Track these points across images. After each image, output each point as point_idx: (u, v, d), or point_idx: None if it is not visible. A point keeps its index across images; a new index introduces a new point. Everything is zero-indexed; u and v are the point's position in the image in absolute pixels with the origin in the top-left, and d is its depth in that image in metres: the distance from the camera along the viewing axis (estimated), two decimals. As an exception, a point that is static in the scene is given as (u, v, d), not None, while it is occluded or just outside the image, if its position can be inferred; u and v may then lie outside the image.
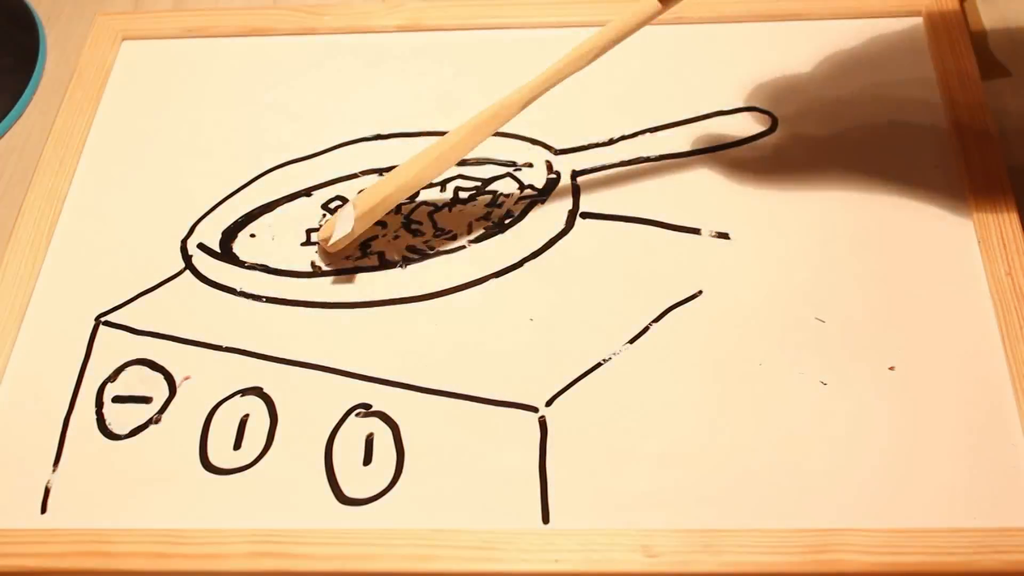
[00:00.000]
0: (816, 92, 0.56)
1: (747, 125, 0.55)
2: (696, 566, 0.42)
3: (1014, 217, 0.50)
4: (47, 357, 0.50)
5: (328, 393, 0.48)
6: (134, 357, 0.50)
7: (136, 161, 0.57)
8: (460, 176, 0.55)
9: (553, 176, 0.55)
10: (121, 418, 0.48)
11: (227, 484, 0.46)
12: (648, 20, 0.48)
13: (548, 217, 0.53)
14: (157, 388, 0.49)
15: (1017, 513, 0.43)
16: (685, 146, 0.55)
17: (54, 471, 0.47)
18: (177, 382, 0.49)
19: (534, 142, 0.56)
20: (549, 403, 0.47)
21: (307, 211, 0.54)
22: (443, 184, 0.55)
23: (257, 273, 0.52)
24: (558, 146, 0.56)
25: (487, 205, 0.54)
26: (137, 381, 0.49)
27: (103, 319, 0.51)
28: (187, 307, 0.51)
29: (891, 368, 0.47)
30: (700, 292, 0.50)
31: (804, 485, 0.44)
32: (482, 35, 0.60)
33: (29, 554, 0.44)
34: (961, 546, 0.42)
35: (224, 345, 0.50)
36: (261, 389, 0.48)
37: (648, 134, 0.56)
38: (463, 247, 0.52)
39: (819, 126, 0.55)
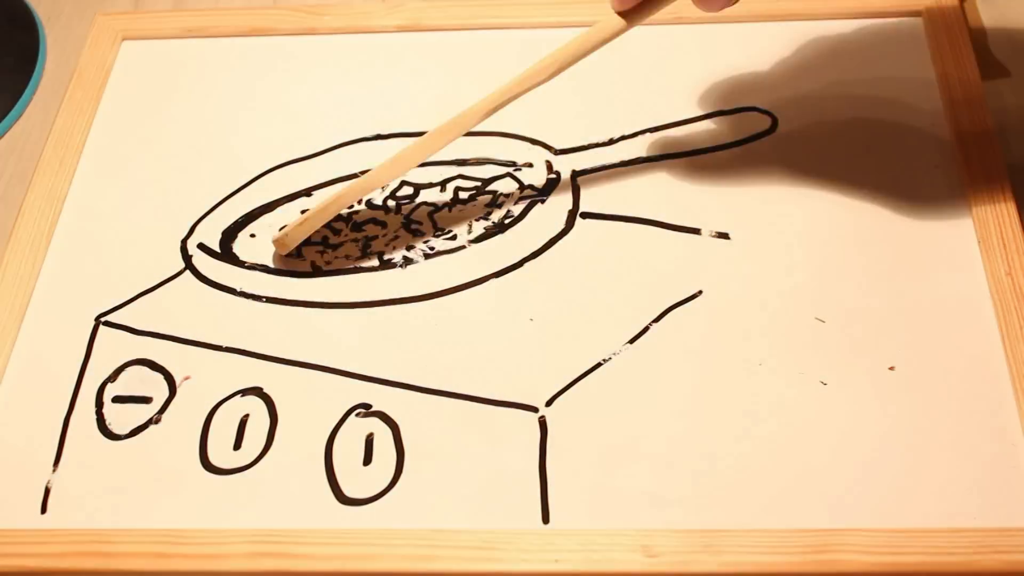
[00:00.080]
0: (816, 92, 0.56)
1: (747, 125, 0.55)
2: (696, 566, 0.42)
3: (1014, 217, 0.50)
4: (47, 357, 0.50)
5: (328, 393, 0.48)
6: (134, 357, 0.50)
7: (136, 161, 0.57)
8: (460, 176, 0.55)
9: (553, 176, 0.55)
10: (121, 418, 0.48)
11: (227, 484, 0.46)
12: (613, 37, 0.48)
13: (548, 217, 0.53)
14: (157, 388, 0.49)
15: (1017, 513, 0.43)
16: (685, 146, 0.55)
17: (54, 471, 0.47)
18: (177, 382, 0.49)
19: (534, 142, 0.56)
20: (549, 403, 0.47)
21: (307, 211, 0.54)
22: (443, 184, 0.55)
23: (257, 273, 0.52)
24: (558, 146, 0.56)
25: (487, 205, 0.54)
26: (137, 381, 0.49)
27: (103, 319, 0.51)
28: (187, 307, 0.51)
29: (891, 368, 0.47)
30: (700, 292, 0.50)
31: (804, 485, 0.44)
32: (482, 35, 0.60)
33: (29, 554, 0.44)
34: (961, 546, 0.42)
35: (224, 345, 0.50)
36: (261, 389, 0.48)
37: (648, 134, 0.56)
38: (463, 247, 0.52)
39: (819, 126, 0.55)
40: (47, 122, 0.59)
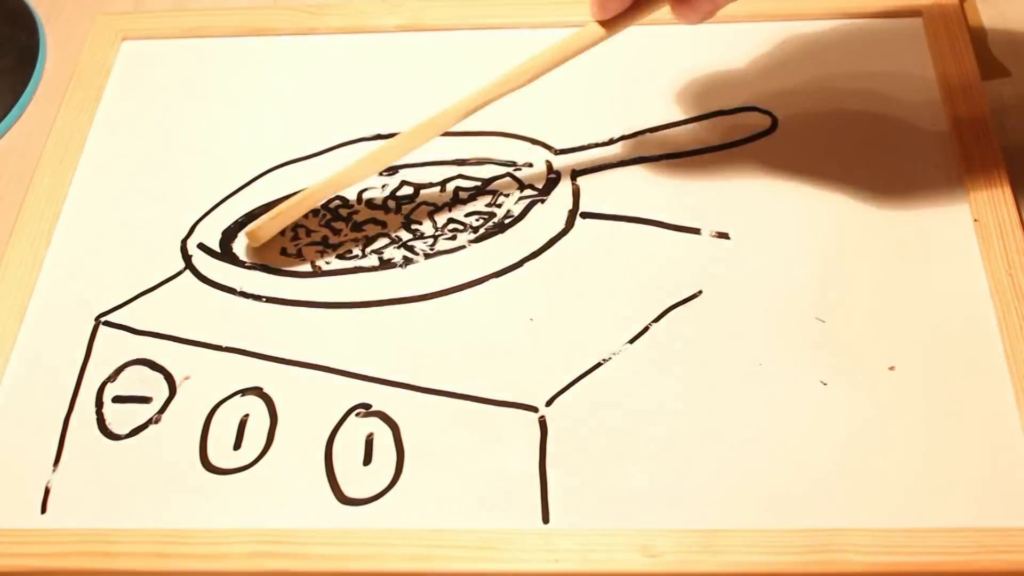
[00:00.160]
0: (816, 92, 0.56)
1: (747, 125, 0.55)
2: (696, 566, 0.42)
3: (1014, 217, 0.50)
4: (47, 357, 0.50)
5: (328, 393, 0.48)
6: (134, 357, 0.50)
7: (136, 161, 0.57)
8: (460, 176, 0.55)
9: (553, 176, 0.55)
10: (121, 418, 0.48)
11: (227, 484, 0.46)
12: (592, 45, 0.48)
13: (548, 217, 0.53)
14: (157, 388, 0.49)
15: (1017, 513, 0.43)
16: (685, 146, 0.55)
17: (54, 471, 0.47)
18: (177, 382, 0.49)
19: (534, 142, 0.56)
20: (549, 403, 0.47)
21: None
22: (443, 184, 0.55)
23: (257, 273, 0.52)
24: (558, 146, 0.56)
25: (487, 205, 0.54)
26: (137, 381, 0.49)
27: (103, 319, 0.51)
28: (187, 307, 0.51)
29: (891, 368, 0.47)
30: (700, 292, 0.50)
31: (804, 485, 0.44)
32: (482, 35, 0.60)
33: (29, 554, 0.44)
34: (961, 546, 0.42)
35: (224, 345, 0.50)
36: (261, 389, 0.48)
37: (648, 134, 0.56)
38: (463, 247, 0.52)
39: (819, 126, 0.55)
40: (47, 122, 0.59)
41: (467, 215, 0.53)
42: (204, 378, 0.49)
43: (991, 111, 0.54)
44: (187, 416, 0.48)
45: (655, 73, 0.58)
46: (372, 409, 0.47)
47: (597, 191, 0.54)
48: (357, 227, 0.53)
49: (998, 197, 0.51)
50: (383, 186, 0.55)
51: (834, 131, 0.55)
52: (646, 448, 0.45)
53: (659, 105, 0.57)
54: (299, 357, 0.49)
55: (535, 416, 0.47)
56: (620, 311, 0.49)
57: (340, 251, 0.53)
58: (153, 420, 0.48)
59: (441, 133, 0.50)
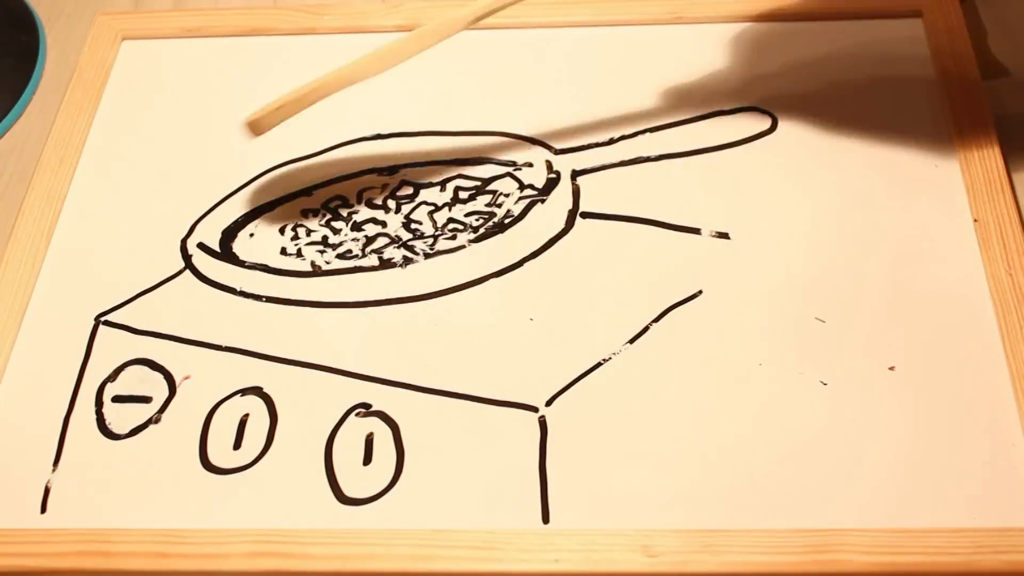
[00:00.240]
0: (816, 92, 0.56)
1: (747, 125, 0.55)
2: (696, 566, 0.42)
3: (1014, 217, 0.50)
4: (47, 357, 0.50)
5: (328, 393, 0.48)
6: (134, 357, 0.50)
7: (136, 161, 0.57)
8: (460, 176, 0.55)
9: (553, 176, 0.55)
10: (121, 418, 0.48)
11: (227, 484, 0.46)
12: None
13: (548, 217, 0.53)
14: (157, 388, 0.49)
15: (1017, 513, 0.43)
16: (685, 146, 0.55)
17: (54, 471, 0.47)
18: (177, 382, 0.49)
19: (534, 142, 0.56)
20: (549, 403, 0.47)
21: (307, 211, 0.54)
22: (443, 184, 0.55)
23: (257, 273, 0.52)
24: (558, 146, 0.56)
25: (487, 205, 0.54)
26: (137, 381, 0.49)
27: (103, 319, 0.51)
28: (187, 307, 0.51)
29: (891, 368, 0.47)
30: (700, 292, 0.50)
31: (804, 485, 0.44)
32: (482, 35, 0.60)
33: (29, 554, 0.44)
34: (961, 546, 0.42)
35: (224, 345, 0.50)
36: (261, 389, 0.48)
37: (648, 134, 0.56)
38: (463, 247, 0.52)
39: (819, 126, 0.55)
40: (47, 122, 0.59)
41: (467, 215, 0.53)
42: (204, 378, 0.49)
43: (991, 111, 0.54)
44: (187, 416, 0.48)
45: (655, 73, 0.58)
46: (372, 409, 0.47)
47: (597, 191, 0.54)
48: (357, 227, 0.53)
49: (998, 197, 0.51)
50: (383, 186, 0.55)
51: (834, 131, 0.55)
52: (646, 448, 0.45)
53: (659, 105, 0.57)
54: (299, 357, 0.49)
55: (535, 416, 0.47)
56: (620, 311, 0.49)
57: (340, 251, 0.53)
58: (153, 420, 0.48)
59: (444, 39, 0.49)
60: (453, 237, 0.53)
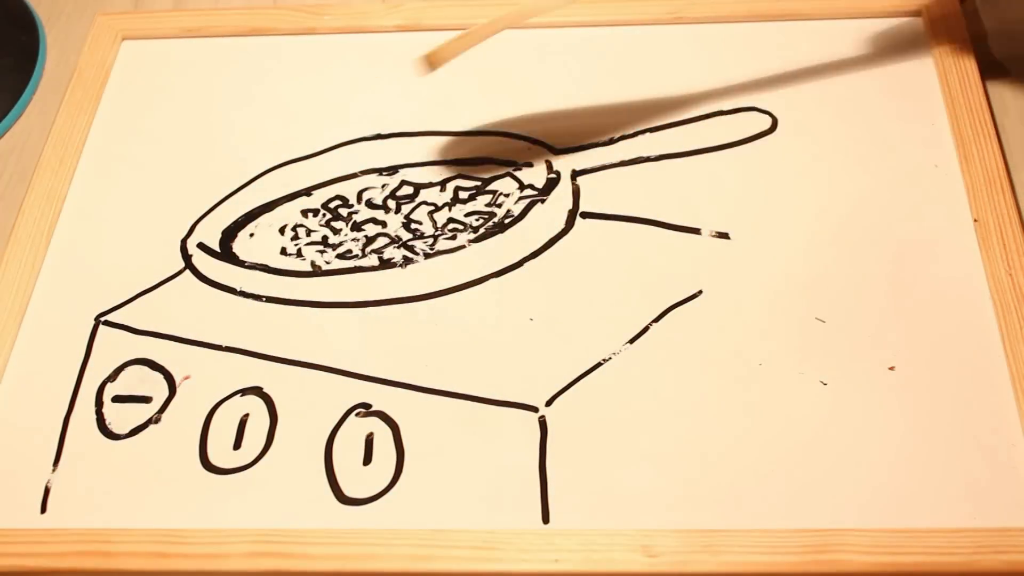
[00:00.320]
0: (816, 92, 0.56)
1: (747, 125, 0.55)
2: (696, 566, 0.42)
3: (1014, 217, 0.50)
4: (47, 357, 0.50)
5: (328, 393, 0.48)
6: (134, 357, 0.50)
7: (136, 161, 0.57)
8: (460, 176, 0.55)
9: (553, 176, 0.55)
10: (121, 418, 0.48)
11: (227, 484, 0.46)
12: None
13: (548, 217, 0.53)
14: (157, 388, 0.49)
15: (1017, 513, 0.43)
16: (685, 146, 0.55)
17: (54, 471, 0.47)
18: (177, 382, 0.49)
19: (534, 142, 0.56)
20: (549, 403, 0.47)
21: (307, 211, 0.54)
22: (443, 184, 0.55)
23: (257, 273, 0.52)
24: (558, 146, 0.56)
25: (487, 205, 0.54)
26: (137, 381, 0.49)
27: (103, 319, 0.51)
28: (187, 307, 0.51)
29: (891, 368, 0.47)
30: (700, 292, 0.50)
31: (804, 485, 0.44)
32: (482, 35, 0.60)
33: (29, 554, 0.44)
34: (961, 546, 0.42)
35: (224, 345, 0.50)
36: (261, 389, 0.48)
37: (648, 134, 0.56)
38: (463, 247, 0.52)
39: (819, 126, 0.55)
40: (47, 122, 0.59)
41: (467, 215, 0.53)
42: (204, 378, 0.49)
43: (991, 111, 0.54)
44: (187, 416, 0.48)
45: (655, 73, 0.58)
46: (372, 409, 0.47)
47: (597, 191, 0.54)
48: (357, 227, 0.53)
49: (998, 197, 0.51)
50: (383, 186, 0.55)
51: (834, 131, 0.55)
52: (646, 448, 0.45)
53: (659, 105, 0.57)
54: (299, 357, 0.49)
55: (535, 416, 0.47)
56: (620, 311, 0.49)
57: (340, 251, 0.53)
58: (153, 420, 0.48)
59: None
60: (453, 237, 0.53)
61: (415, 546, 0.43)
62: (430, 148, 0.56)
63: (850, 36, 0.58)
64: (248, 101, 0.59)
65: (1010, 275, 0.49)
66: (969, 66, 0.56)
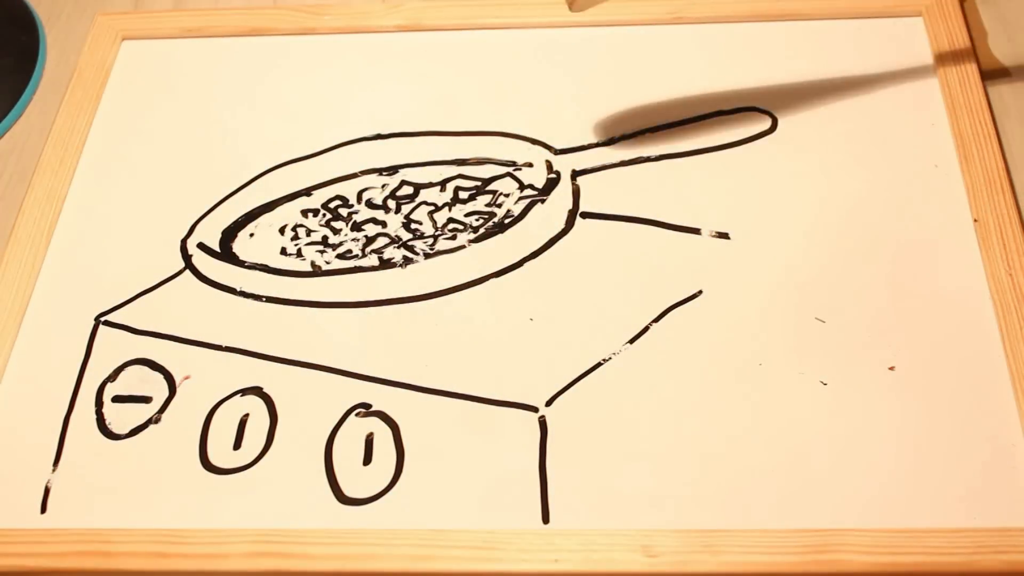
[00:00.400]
0: (816, 92, 0.56)
1: (747, 125, 0.55)
2: (696, 566, 0.42)
3: (1014, 217, 0.50)
4: (47, 357, 0.50)
5: (328, 393, 0.48)
6: (134, 357, 0.50)
7: (136, 161, 0.57)
8: (460, 176, 0.55)
9: (553, 176, 0.55)
10: (121, 418, 0.48)
11: (227, 484, 0.46)
12: None
13: (548, 217, 0.53)
14: (157, 388, 0.49)
15: (1017, 513, 0.43)
16: (685, 146, 0.55)
17: (54, 471, 0.47)
18: (177, 382, 0.49)
19: (534, 142, 0.56)
20: (549, 403, 0.47)
21: (307, 211, 0.54)
22: (443, 184, 0.55)
23: (257, 273, 0.52)
24: (558, 146, 0.56)
25: (487, 205, 0.54)
26: (137, 381, 0.49)
27: (103, 319, 0.51)
28: (187, 307, 0.51)
29: (891, 368, 0.47)
30: (700, 292, 0.50)
31: (804, 485, 0.44)
32: (482, 35, 0.60)
33: (29, 554, 0.44)
34: (961, 546, 0.42)
35: (224, 345, 0.50)
36: (261, 389, 0.48)
37: (648, 134, 0.56)
38: (463, 247, 0.52)
39: (819, 126, 0.55)
40: (47, 122, 0.59)
41: (467, 215, 0.53)
42: (204, 378, 0.49)
43: (991, 111, 0.54)
44: (187, 416, 0.48)
45: (655, 73, 0.58)
46: (372, 409, 0.47)
47: (597, 191, 0.54)
48: (357, 227, 0.53)
49: (998, 197, 0.51)
50: (383, 186, 0.55)
51: (834, 131, 0.55)
52: (646, 448, 0.45)
53: (659, 105, 0.57)
54: (299, 357, 0.49)
55: (535, 416, 0.47)
56: (620, 311, 0.49)
57: (340, 251, 0.53)
58: (153, 420, 0.48)
59: None
60: (453, 237, 0.53)
61: (415, 546, 0.43)
62: (430, 148, 0.56)
63: (850, 36, 0.58)
64: (248, 101, 0.59)
65: (1010, 275, 0.49)
66: (969, 66, 0.56)
